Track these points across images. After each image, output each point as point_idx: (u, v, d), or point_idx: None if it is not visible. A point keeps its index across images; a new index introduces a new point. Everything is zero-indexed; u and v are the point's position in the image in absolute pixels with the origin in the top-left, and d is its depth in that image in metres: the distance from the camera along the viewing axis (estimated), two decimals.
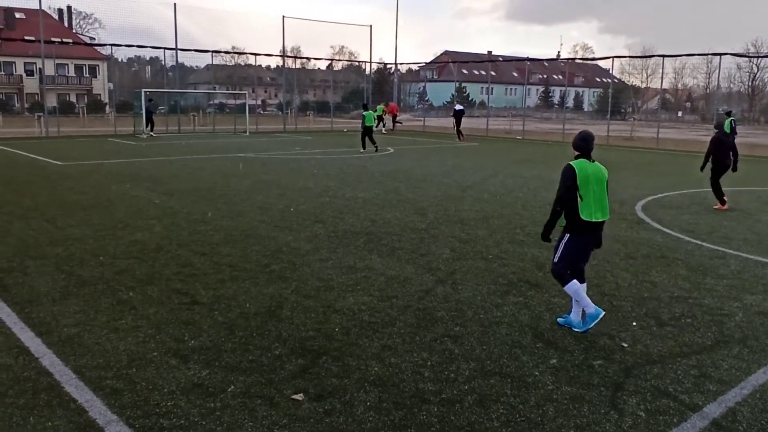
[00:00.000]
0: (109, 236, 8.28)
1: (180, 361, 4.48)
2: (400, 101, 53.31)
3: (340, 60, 72.63)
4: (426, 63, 66.47)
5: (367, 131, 22.28)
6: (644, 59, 73.61)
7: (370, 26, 40.12)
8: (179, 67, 36.64)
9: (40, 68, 41.65)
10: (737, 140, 22.57)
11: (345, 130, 35.09)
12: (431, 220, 9.75)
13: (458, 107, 31.27)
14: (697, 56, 63.99)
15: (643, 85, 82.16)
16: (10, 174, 14.69)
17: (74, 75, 61.80)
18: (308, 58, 64.76)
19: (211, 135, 30.79)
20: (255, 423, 3.69)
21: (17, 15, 57.29)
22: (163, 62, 38.68)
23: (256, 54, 39.97)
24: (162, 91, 37.96)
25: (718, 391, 4.22)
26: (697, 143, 26.96)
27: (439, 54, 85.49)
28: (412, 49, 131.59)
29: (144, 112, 28.12)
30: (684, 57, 65.21)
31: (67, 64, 59.94)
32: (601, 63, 78.93)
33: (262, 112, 59.01)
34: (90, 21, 69.97)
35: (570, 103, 79.69)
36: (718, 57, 29.73)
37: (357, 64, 68.26)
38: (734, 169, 11.47)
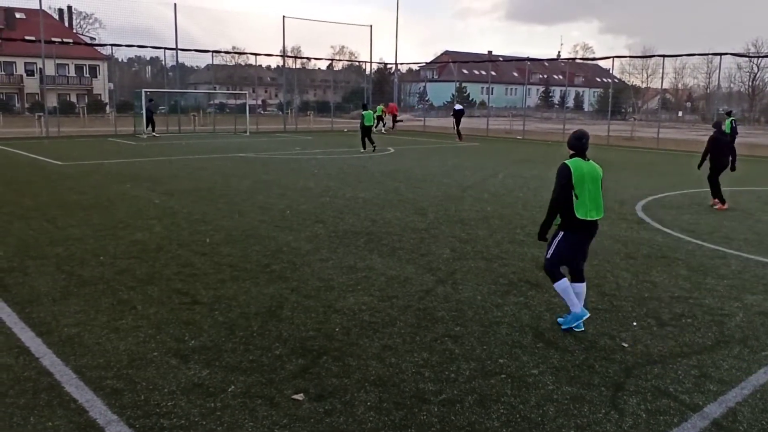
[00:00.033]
0: (109, 236, 8.28)
1: (180, 361, 4.48)
2: (400, 101, 53.34)
3: (340, 60, 72.70)
4: (426, 63, 66.44)
5: (365, 131, 22.31)
6: (644, 59, 73.59)
7: (371, 26, 40.12)
8: (179, 67, 36.62)
9: (40, 68, 41.63)
10: (738, 140, 22.67)
11: (345, 130, 35.09)
12: (431, 220, 9.75)
13: (458, 107, 31.28)
14: (697, 56, 64.05)
15: (644, 85, 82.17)
16: (11, 174, 14.69)
17: (75, 75, 61.80)
18: (308, 58, 64.77)
19: (212, 135, 30.80)
20: (255, 423, 3.69)
21: (18, 15, 57.30)
22: (163, 62, 38.71)
23: (256, 54, 40.08)
24: (162, 91, 37.98)
25: (719, 391, 4.22)
26: (698, 143, 26.91)
27: (439, 54, 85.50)
28: (413, 49, 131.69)
29: (145, 112, 28.13)
30: (684, 57, 65.21)
31: (68, 64, 59.94)
32: (601, 63, 79.00)
33: (262, 112, 59.02)
34: (90, 21, 70.05)
35: (570, 103, 79.70)
36: (719, 57, 29.76)
37: (357, 64, 68.31)
38: (732, 169, 11.51)
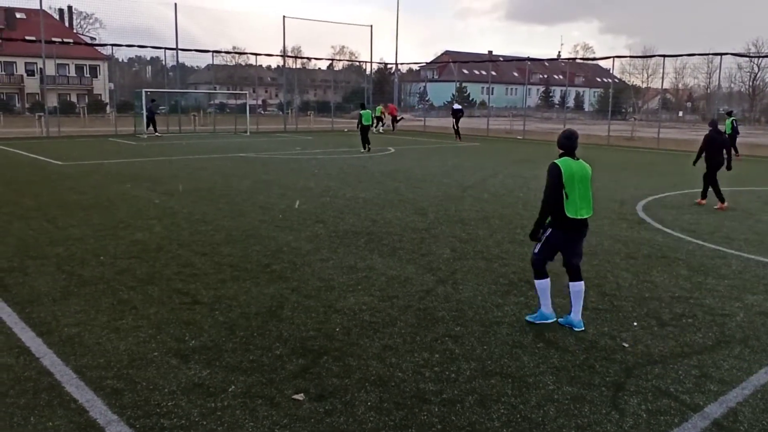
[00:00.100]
0: (109, 236, 8.28)
1: (181, 361, 4.48)
2: (400, 101, 53.33)
3: (340, 60, 72.72)
4: (426, 63, 66.41)
5: (363, 130, 22.37)
6: (645, 59, 73.65)
7: (371, 26, 40.14)
8: (180, 67, 36.61)
9: (40, 68, 41.65)
10: (738, 140, 22.68)
11: (346, 130, 35.08)
12: (432, 220, 9.75)
13: (456, 106, 31.34)
14: (697, 56, 64.17)
15: (644, 85, 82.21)
16: (11, 174, 14.70)
17: (75, 75, 61.83)
18: (309, 58, 64.78)
19: (212, 135, 30.80)
20: (256, 423, 3.69)
21: (18, 15, 57.32)
22: (163, 62, 38.76)
23: (256, 54, 39.95)
24: (163, 91, 37.99)
25: (719, 391, 4.21)
26: (698, 143, 26.90)
27: (439, 54, 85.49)
28: (413, 48, 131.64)
29: (146, 112, 28.15)
30: (685, 57, 65.30)
31: (68, 64, 59.96)
32: (601, 63, 79.01)
33: (262, 112, 59.03)
34: (91, 21, 70.07)
35: (571, 103, 79.69)
36: (719, 57, 29.78)
37: (357, 64, 68.31)
38: (728, 168, 11.58)
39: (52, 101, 45.89)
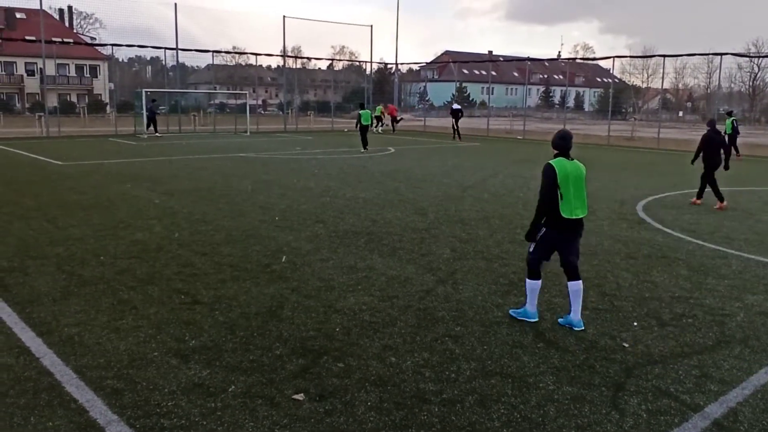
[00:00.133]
0: (109, 236, 8.28)
1: (181, 361, 4.48)
2: (400, 101, 53.33)
3: (340, 60, 72.77)
4: (427, 63, 66.42)
5: (363, 130, 22.42)
6: (645, 59, 73.66)
7: (371, 26, 40.14)
8: (180, 67, 36.63)
9: (40, 68, 41.65)
10: (738, 140, 22.68)
11: (346, 130, 35.08)
12: (432, 220, 9.75)
13: (456, 106, 31.40)
14: (697, 56, 64.23)
15: (644, 85, 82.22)
16: (11, 174, 14.70)
17: (75, 75, 61.83)
18: (309, 58, 64.83)
19: (212, 135, 30.80)
20: (256, 423, 3.68)
21: (18, 15, 57.33)
22: (163, 62, 38.75)
23: (256, 54, 39.99)
24: (163, 91, 38.00)
25: (720, 391, 4.21)
26: (698, 143, 26.91)
27: (439, 54, 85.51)
28: (413, 48, 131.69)
29: (146, 112, 28.16)
30: (685, 57, 65.30)
31: (68, 64, 59.97)
32: (601, 63, 79.04)
33: (262, 112, 59.02)
34: (91, 21, 70.10)
35: (571, 103, 79.72)
36: (719, 57, 29.77)
37: (358, 64, 68.33)
38: (726, 167, 11.61)
39: (52, 101, 45.90)
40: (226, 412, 3.80)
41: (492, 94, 59.21)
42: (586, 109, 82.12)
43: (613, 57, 33.74)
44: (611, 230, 9.28)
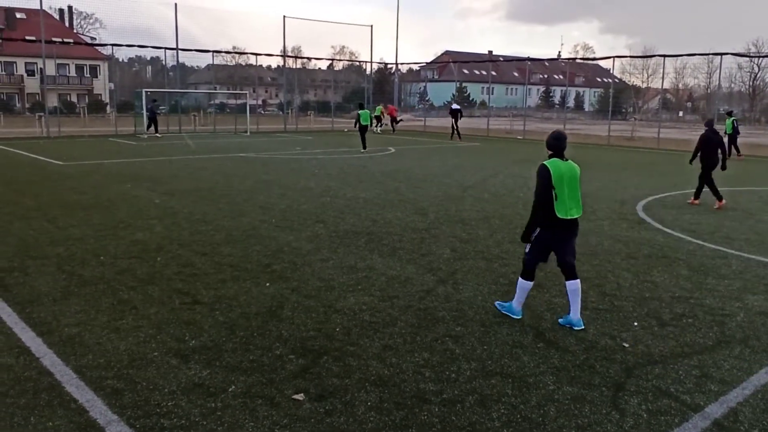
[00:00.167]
0: (109, 236, 8.28)
1: (181, 361, 4.48)
2: (400, 101, 53.33)
3: (340, 60, 72.78)
4: (427, 63, 66.42)
5: (362, 130, 22.46)
6: (645, 59, 73.70)
7: (371, 26, 40.13)
8: (180, 67, 36.61)
9: (41, 68, 41.65)
10: (738, 140, 22.69)
11: (346, 130, 35.07)
12: (432, 220, 9.74)
13: (455, 107, 31.46)
14: (697, 56, 64.28)
15: (644, 85, 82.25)
16: (11, 174, 14.70)
17: (75, 75, 61.85)
18: (309, 58, 64.90)
19: (212, 135, 30.80)
20: (256, 423, 3.68)
21: (18, 15, 57.33)
22: (163, 62, 38.76)
23: (256, 54, 39.98)
24: (163, 91, 38.01)
25: (720, 391, 4.21)
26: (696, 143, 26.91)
27: (439, 54, 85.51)
28: (413, 49, 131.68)
29: (147, 113, 28.17)
30: (685, 57, 65.36)
31: (68, 64, 59.97)
32: (601, 63, 79.01)
33: (262, 112, 59.04)
34: (91, 21, 70.11)
35: (571, 103, 79.74)
36: (719, 57, 29.76)
37: (358, 64, 68.33)
38: (723, 167, 11.63)
39: (52, 101, 45.91)
40: (226, 412, 3.80)
41: (492, 94, 59.23)
42: (586, 109, 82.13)
43: (613, 57, 33.75)
44: (611, 230, 9.28)
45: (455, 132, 30.21)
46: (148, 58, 63.71)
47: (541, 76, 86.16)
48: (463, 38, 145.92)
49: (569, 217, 5.10)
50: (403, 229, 9.06)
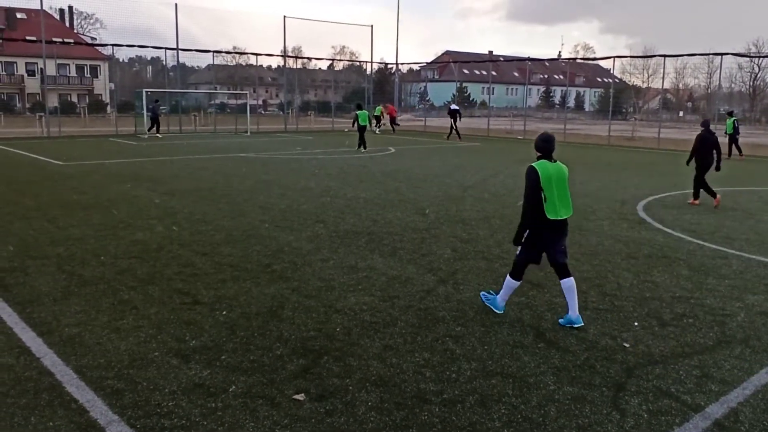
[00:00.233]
0: (110, 236, 8.28)
1: (181, 361, 4.48)
2: (401, 101, 53.33)
3: (341, 60, 72.84)
4: (427, 63, 66.43)
5: (361, 130, 22.50)
6: (645, 59, 73.73)
7: (371, 26, 40.12)
8: (180, 67, 36.63)
9: (41, 68, 41.69)
10: (741, 140, 22.70)
11: (346, 130, 35.06)
12: (432, 220, 9.74)
13: (454, 107, 31.50)
14: (698, 56, 64.25)
15: (645, 85, 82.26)
16: (11, 174, 14.70)
17: (75, 75, 61.86)
18: (309, 58, 64.85)
19: (212, 135, 30.81)
20: (256, 423, 3.68)
21: (18, 15, 57.37)
22: (164, 62, 38.77)
23: (257, 54, 39.89)
24: (163, 91, 37.98)
25: (721, 391, 4.21)
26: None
27: (440, 54, 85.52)
28: (413, 49, 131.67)
29: (147, 112, 28.17)
30: (685, 57, 65.32)
31: (69, 64, 60.00)
32: (602, 63, 79.06)
33: (263, 112, 59.03)
34: (91, 21, 70.14)
35: (571, 103, 79.71)
36: (720, 57, 29.76)
37: (358, 64, 68.33)
38: (717, 168, 11.66)
39: (52, 101, 45.92)
40: (227, 412, 3.80)
41: (492, 94, 59.25)
42: (587, 109, 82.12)
43: (614, 57, 33.76)
44: (612, 230, 9.28)
45: (453, 132, 30.21)
46: (149, 58, 63.77)
47: (541, 76, 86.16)
48: (463, 38, 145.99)
49: (559, 218, 5.14)
50: (404, 229, 9.06)
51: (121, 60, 64.16)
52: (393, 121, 36.50)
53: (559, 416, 3.84)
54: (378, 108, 36.67)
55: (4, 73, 58.94)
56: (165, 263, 7.00)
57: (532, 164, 5.18)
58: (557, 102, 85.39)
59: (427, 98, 60.87)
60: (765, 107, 71.09)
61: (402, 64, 60.60)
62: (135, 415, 3.74)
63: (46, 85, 44.50)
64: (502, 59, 67.26)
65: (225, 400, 3.95)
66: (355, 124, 23.10)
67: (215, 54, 45.14)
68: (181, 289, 6.09)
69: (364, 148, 22.20)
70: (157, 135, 28.17)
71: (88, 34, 66.85)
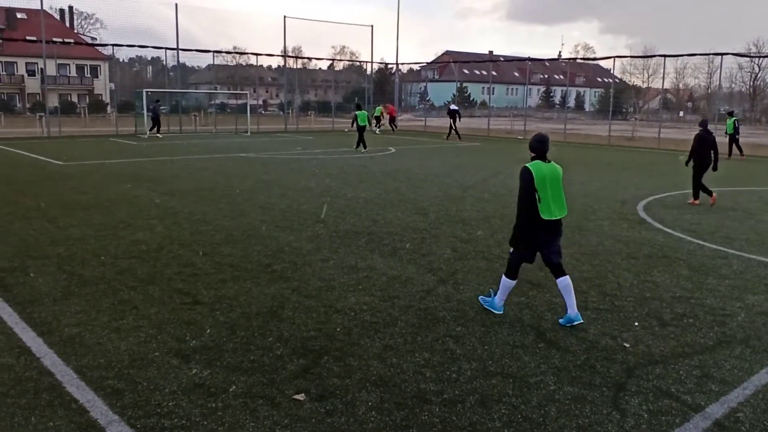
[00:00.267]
0: (110, 236, 8.28)
1: (181, 361, 4.48)
2: (401, 101, 53.32)
3: (341, 60, 72.84)
4: (427, 63, 66.43)
5: (360, 130, 22.54)
6: (645, 59, 73.72)
7: (372, 26, 40.12)
8: (180, 67, 36.63)
9: (41, 68, 41.68)
10: (741, 140, 22.69)
11: (346, 130, 35.06)
12: (432, 220, 9.74)
13: (453, 107, 31.54)
14: (698, 56, 64.30)
15: (645, 85, 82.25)
16: (12, 174, 14.70)
17: (76, 75, 61.86)
18: (309, 58, 64.81)
19: (213, 135, 30.81)
20: (256, 423, 3.68)
21: (19, 15, 57.36)
22: (164, 62, 38.76)
23: (257, 54, 39.88)
24: (163, 91, 37.98)
25: (721, 391, 4.21)
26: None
27: (440, 54, 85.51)
28: (413, 49, 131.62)
29: (148, 112, 28.17)
30: (685, 57, 65.36)
31: (69, 65, 60.00)
32: (602, 63, 79.07)
33: (263, 112, 59.01)
34: (91, 21, 70.12)
35: (571, 103, 79.70)
36: (720, 57, 29.75)
37: (358, 64, 68.33)
38: (714, 168, 11.68)
39: (52, 101, 45.92)
40: (227, 412, 3.80)
41: (493, 94, 59.24)
42: (587, 109, 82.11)
43: (614, 57, 33.77)
44: (612, 230, 9.27)
45: (453, 132, 30.21)
46: (149, 58, 63.74)
47: (541, 76, 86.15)
48: (463, 38, 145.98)
49: (553, 218, 5.17)
50: (404, 229, 9.06)
51: (121, 60, 64.19)
52: (393, 120, 36.46)
53: (559, 416, 3.84)
54: (378, 108, 36.66)
55: (4, 73, 58.95)
56: (165, 263, 7.00)
57: (526, 165, 5.20)
58: (557, 102, 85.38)
59: (428, 98, 60.87)
60: (765, 107, 71.09)
61: (402, 64, 60.65)
62: (135, 415, 3.74)
63: (47, 85, 44.52)
64: (502, 59, 67.24)
65: (225, 400, 3.95)
66: (354, 124, 23.19)
67: (215, 54, 45.19)
68: (181, 289, 6.09)
69: (364, 147, 22.21)
70: (158, 135, 28.17)
71: (88, 34, 66.88)
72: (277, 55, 55.57)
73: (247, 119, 32.84)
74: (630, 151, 26.08)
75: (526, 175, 5.13)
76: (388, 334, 5.08)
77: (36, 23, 39.39)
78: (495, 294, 5.68)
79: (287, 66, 40.81)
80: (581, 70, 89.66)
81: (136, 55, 69.06)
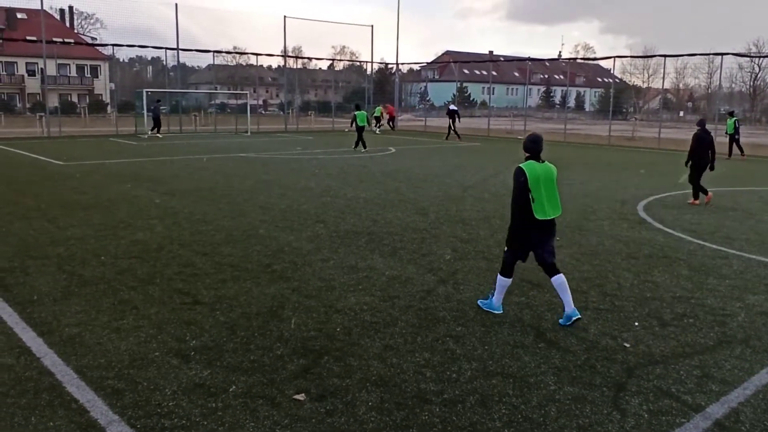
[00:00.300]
0: (110, 236, 8.28)
1: (181, 361, 4.48)
2: (401, 101, 53.30)
3: (341, 60, 72.83)
4: (427, 63, 66.39)
5: (359, 131, 22.57)
6: (645, 59, 73.71)
7: (372, 26, 40.10)
8: (181, 67, 36.61)
9: (41, 68, 41.69)
10: (742, 140, 22.69)
11: (346, 129, 35.06)
12: (433, 220, 9.74)
13: (452, 107, 31.57)
14: (698, 56, 64.33)
15: (645, 85, 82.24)
16: (12, 174, 14.70)
17: (76, 75, 61.86)
18: (310, 58, 64.70)
19: (213, 135, 30.81)
20: (256, 423, 3.68)
21: (19, 15, 57.35)
22: (164, 62, 38.75)
23: (257, 54, 39.86)
24: (163, 91, 37.97)
25: (721, 391, 4.21)
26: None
27: (440, 54, 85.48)
28: (414, 49, 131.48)
29: (149, 112, 28.16)
30: (685, 57, 65.42)
31: (69, 65, 60.00)
32: (602, 63, 79.10)
33: (263, 112, 59.00)
34: (91, 21, 70.09)
35: (571, 103, 79.69)
36: (720, 57, 29.75)
37: (358, 64, 68.32)
38: (711, 168, 11.71)
39: (53, 101, 45.92)
40: (227, 412, 3.80)
41: (493, 94, 59.24)
42: (587, 109, 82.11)
43: (614, 57, 33.80)
44: (612, 230, 9.27)
45: (452, 132, 30.21)
46: (149, 58, 63.63)
47: (541, 76, 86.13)
48: (463, 38, 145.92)
49: (548, 218, 5.18)
50: (404, 229, 9.06)
51: (121, 60, 64.11)
52: (391, 120, 36.45)
53: (559, 416, 3.84)
54: (378, 108, 36.66)
55: (4, 73, 58.96)
56: (165, 263, 7.00)
57: (520, 165, 5.22)
58: (557, 102, 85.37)
59: (428, 98, 60.85)
60: (765, 107, 71.09)
61: (402, 64, 60.56)
62: (135, 415, 3.74)
63: (47, 85, 44.53)
64: (502, 59, 67.23)
65: (225, 400, 3.94)
66: (354, 125, 23.23)
67: (215, 54, 45.18)
68: (181, 289, 6.09)
69: (364, 147, 22.21)
70: (158, 135, 28.17)
71: (88, 34, 66.86)
72: (277, 55, 55.58)
73: (247, 119, 32.84)
74: (630, 151, 26.08)
75: (520, 176, 5.15)
76: (388, 334, 5.08)
77: (36, 23, 39.38)
78: (493, 295, 5.68)
79: (287, 66, 40.80)
80: (581, 70, 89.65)
81: (136, 55, 69.02)
